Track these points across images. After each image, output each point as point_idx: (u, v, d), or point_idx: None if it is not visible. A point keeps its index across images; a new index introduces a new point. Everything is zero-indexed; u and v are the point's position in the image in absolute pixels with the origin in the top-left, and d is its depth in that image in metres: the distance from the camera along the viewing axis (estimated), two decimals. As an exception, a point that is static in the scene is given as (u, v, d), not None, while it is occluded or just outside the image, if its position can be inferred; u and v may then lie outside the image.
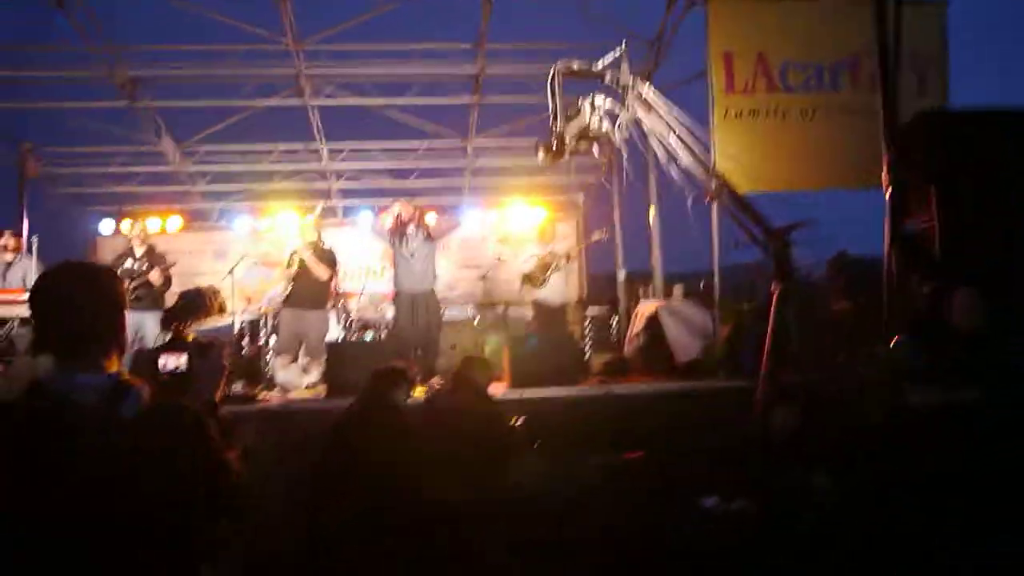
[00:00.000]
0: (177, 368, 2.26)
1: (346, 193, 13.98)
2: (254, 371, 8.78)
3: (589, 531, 5.54)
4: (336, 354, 7.46)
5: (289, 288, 8.14)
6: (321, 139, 11.93)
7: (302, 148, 12.54)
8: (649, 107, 6.27)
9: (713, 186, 6.25)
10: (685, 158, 6.28)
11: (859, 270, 6.91)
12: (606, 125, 6.26)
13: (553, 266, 9.74)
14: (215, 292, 2.50)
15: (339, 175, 13.36)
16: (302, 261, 8.06)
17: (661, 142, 6.24)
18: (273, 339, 9.19)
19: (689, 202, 6.81)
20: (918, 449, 5.25)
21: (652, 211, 10.86)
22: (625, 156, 6.64)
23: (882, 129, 5.83)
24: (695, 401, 7.15)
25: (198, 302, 2.45)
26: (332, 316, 9.50)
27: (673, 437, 6.59)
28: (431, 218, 9.76)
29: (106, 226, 12.72)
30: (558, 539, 5.20)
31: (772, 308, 6.07)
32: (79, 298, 1.93)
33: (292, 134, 12.40)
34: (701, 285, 11.92)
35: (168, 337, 2.40)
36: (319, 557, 3.91)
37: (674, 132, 6.23)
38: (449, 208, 14.11)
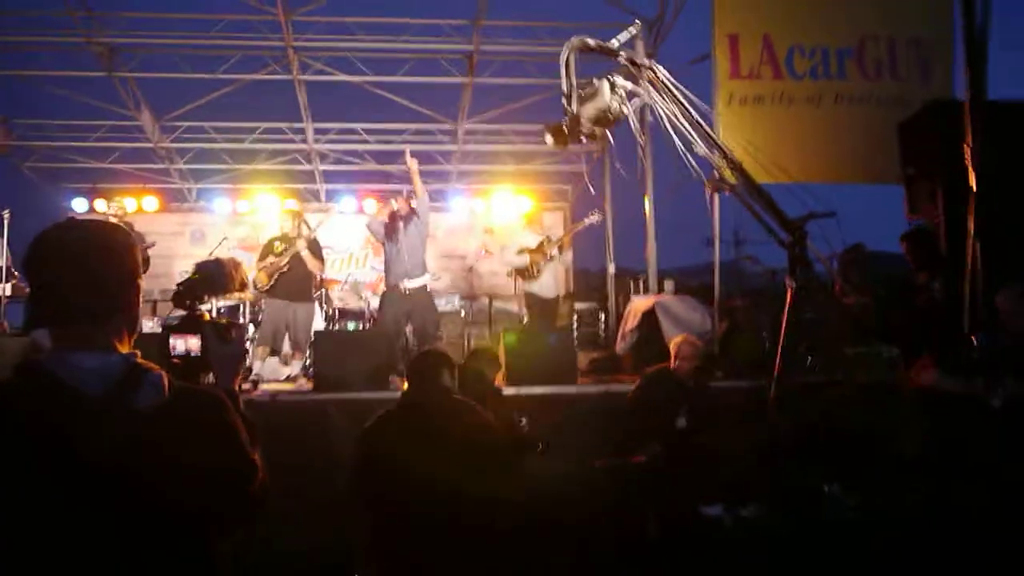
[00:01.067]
0: (189, 351, 1.92)
1: (330, 177, 13.55)
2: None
3: (592, 539, 5.28)
4: (323, 344, 7.08)
5: (275, 279, 7.85)
6: (307, 118, 11.50)
7: (286, 127, 12.09)
8: (664, 89, 5.99)
9: (720, 174, 6.01)
10: (701, 145, 6.03)
11: (873, 264, 6.68)
12: (626, 108, 5.93)
13: (548, 256, 9.42)
14: (236, 265, 2.12)
15: (323, 157, 12.93)
16: (296, 254, 7.82)
17: (675, 127, 5.97)
18: (252, 328, 8.87)
19: (708, 192, 6.55)
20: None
21: (647, 202, 10.56)
22: (643, 142, 6.33)
23: (967, 114, 5.52)
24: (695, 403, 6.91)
25: (217, 276, 2.08)
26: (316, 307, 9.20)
27: (674, 439, 6.35)
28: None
29: (79, 204, 12.20)
30: (560, 544, 4.94)
31: (786, 305, 5.83)
32: (85, 261, 1.56)
33: (276, 113, 12.02)
34: (671, 284, 11.67)
35: (179, 315, 2.03)
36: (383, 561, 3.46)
37: (690, 116, 5.96)
38: (434, 195, 13.76)
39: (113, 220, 8.05)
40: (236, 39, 9.91)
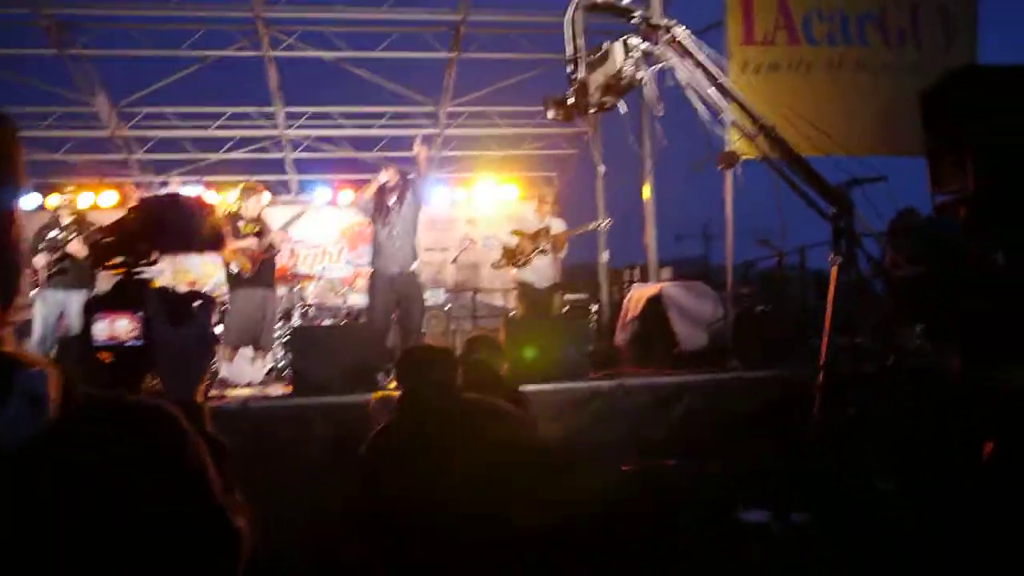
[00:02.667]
0: (121, 340, 1.17)
1: (302, 167, 12.69)
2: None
3: (625, 550, 4.63)
4: (301, 341, 6.30)
5: (258, 266, 7.02)
6: (278, 101, 10.66)
7: (255, 111, 11.23)
8: (685, 53, 5.32)
9: (755, 145, 5.41)
10: (728, 112, 5.41)
11: (926, 231, 6.03)
12: (642, 72, 5.23)
13: (539, 249, 8.72)
14: (205, 209, 1.30)
15: (295, 145, 12.07)
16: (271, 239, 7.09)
17: (700, 95, 5.31)
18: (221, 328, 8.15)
19: (737, 167, 6.01)
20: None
21: (647, 186, 9.88)
22: (660, 113, 5.65)
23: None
24: (720, 394, 6.26)
25: (172, 218, 1.30)
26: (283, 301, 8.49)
27: (703, 437, 5.70)
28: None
29: (29, 200, 11.22)
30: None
31: (831, 283, 5.19)
32: None
33: (244, 97, 11.16)
34: (668, 272, 11.17)
35: (110, 284, 1.25)
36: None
37: (715, 81, 5.32)
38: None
39: (64, 211, 7.27)
40: (201, 10, 9.08)
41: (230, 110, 11.25)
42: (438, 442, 2.74)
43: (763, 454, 5.30)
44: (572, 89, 5.28)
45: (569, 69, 5.29)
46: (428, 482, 2.63)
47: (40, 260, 6.81)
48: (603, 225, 9.46)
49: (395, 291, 6.88)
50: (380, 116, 11.63)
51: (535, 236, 8.74)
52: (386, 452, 2.83)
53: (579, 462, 5.00)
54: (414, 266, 7.13)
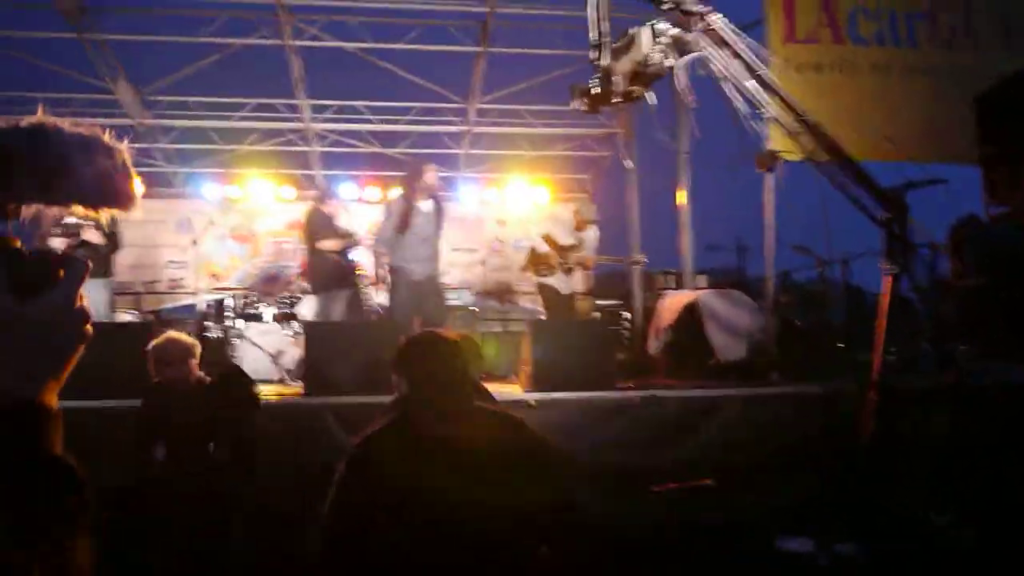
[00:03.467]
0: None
1: (328, 162, 12.40)
2: (221, 359, 7.37)
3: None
4: (317, 337, 5.94)
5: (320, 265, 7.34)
6: (302, 93, 10.35)
7: (280, 103, 10.94)
8: (722, 43, 4.89)
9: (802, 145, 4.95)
10: (769, 109, 4.96)
11: (991, 239, 5.53)
12: (671, 61, 4.80)
13: (565, 267, 8.35)
14: (104, 148, 0.91)
15: (321, 138, 11.76)
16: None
17: (737, 88, 4.87)
18: (242, 323, 7.95)
19: (777, 168, 5.61)
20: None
21: (682, 190, 9.43)
22: (694, 107, 5.24)
23: None
24: (761, 410, 5.79)
25: (41, 155, 0.91)
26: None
27: (743, 456, 5.26)
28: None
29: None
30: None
31: (884, 294, 4.75)
32: None
33: (269, 89, 10.86)
34: (704, 279, 10.81)
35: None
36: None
37: (756, 74, 4.88)
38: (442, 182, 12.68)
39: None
40: (221, -5, 8.83)
41: (254, 100, 10.99)
42: (440, 460, 2.31)
43: (806, 476, 4.90)
44: (594, 78, 4.88)
45: (592, 56, 4.88)
46: (424, 510, 2.23)
47: (56, 245, 6.58)
48: (637, 262, 9.11)
49: (417, 295, 6.62)
50: (407, 111, 11.33)
51: (565, 251, 8.37)
52: (376, 464, 2.39)
53: (604, 482, 4.62)
54: (438, 269, 6.98)
